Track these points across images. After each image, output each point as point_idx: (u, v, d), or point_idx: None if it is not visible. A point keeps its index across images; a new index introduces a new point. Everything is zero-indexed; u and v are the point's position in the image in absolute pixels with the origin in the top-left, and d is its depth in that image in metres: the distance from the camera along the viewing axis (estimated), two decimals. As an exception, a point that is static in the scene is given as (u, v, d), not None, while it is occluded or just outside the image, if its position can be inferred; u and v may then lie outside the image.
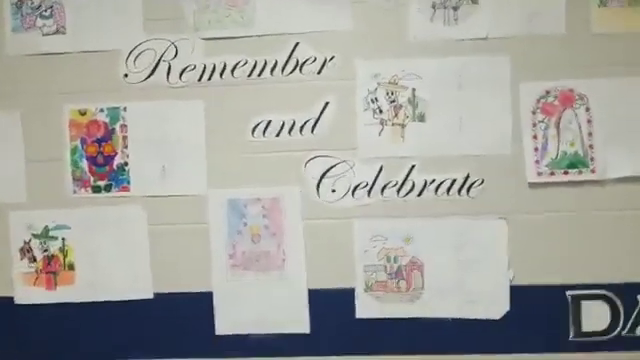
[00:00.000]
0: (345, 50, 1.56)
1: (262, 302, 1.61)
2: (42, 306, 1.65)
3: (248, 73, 1.58)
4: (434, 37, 1.54)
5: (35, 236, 1.65)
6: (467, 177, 1.55)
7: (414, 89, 1.55)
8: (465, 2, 1.53)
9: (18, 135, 1.63)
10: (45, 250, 1.65)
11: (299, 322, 1.60)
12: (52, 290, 1.65)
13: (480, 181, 1.55)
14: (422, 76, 1.55)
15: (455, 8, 1.54)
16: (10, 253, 1.65)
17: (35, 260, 1.65)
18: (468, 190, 1.56)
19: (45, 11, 1.61)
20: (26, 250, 1.65)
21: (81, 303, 1.64)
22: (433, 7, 1.54)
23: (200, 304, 1.62)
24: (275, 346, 1.61)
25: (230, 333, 1.62)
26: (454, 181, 1.56)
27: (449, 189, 1.56)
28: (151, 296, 1.63)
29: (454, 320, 1.57)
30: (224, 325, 1.62)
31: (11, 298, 1.66)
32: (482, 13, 1.53)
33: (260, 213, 1.60)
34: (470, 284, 1.56)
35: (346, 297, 1.58)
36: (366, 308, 1.58)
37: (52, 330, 1.65)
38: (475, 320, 1.56)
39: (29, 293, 1.65)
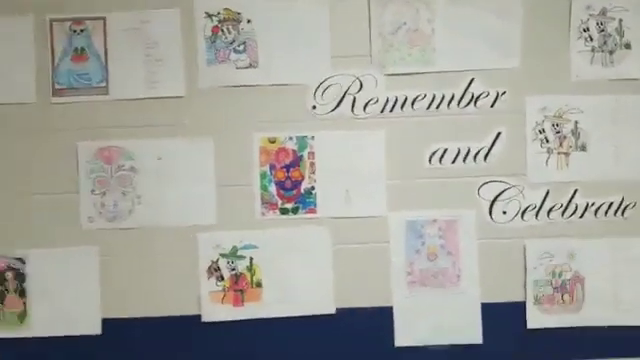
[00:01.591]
0: (515, 86, 1.70)
1: (438, 315, 1.69)
2: (229, 323, 1.69)
3: (427, 106, 1.70)
4: (593, 77, 1.70)
5: (223, 255, 1.69)
6: (622, 200, 1.70)
7: (576, 122, 1.70)
8: (620, 47, 1.70)
9: (210, 161, 1.69)
10: (233, 269, 1.69)
11: (473, 333, 1.69)
12: (239, 307, 1.69)
13: (633, 204, 1.70)
14: (583, 110, 1.70)
15: (611, 52, 1.70)
16: (198, 272, 1.69)
17: (223, 279, 1.69)
18: (623, 212, 1.70)
19: (239, 46, 1.69)
20: (214, 269, 1.69)
21: (267, 319, 1.69)
22: (592, 50, 1.70)
23: (380, 318, 1.69)
24: (450, 356, 1.69)
25: (409, 345, 1.69)
26: (611, 204, 1.70)
27: (607, 211, 1.70)
28: (333, 311, 1.69)
29: (610, 328, 1.70)
30: (403, 337, 1.69)
31: (199, 316, 1.69)
32: (634, 57, 1.70)
33: (437, 234, 1.70)
34: (625, 295, 1.70)
35: (517, 309, 1.70)
36: (536, 319, 1.69)
37: (239, 346, 1.69)
38: (630, 327, 1.70)
39: (216, 310, 1.69)
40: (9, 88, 1.68)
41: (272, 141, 1.70)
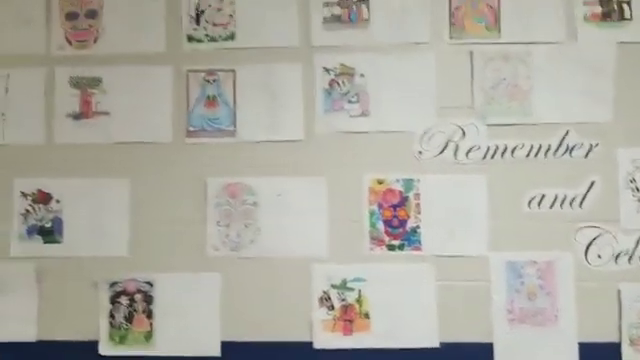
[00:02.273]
0: (608, 138, 1.81)
1: (537, 353, 1.76)
2: (338, 351, 1.79)
3: (526, 154, 1.82)
4: (682, 131, 1.82)
5: (334, 287, 1.80)
6: None
7: (667, 172, 1.80)
8: None
9: (324, 199, 1.83)
10: (343, 299, 1.80)
11: (571, 372, 1.76)
12: (348, 336, 1.79)
13: None
14: (673, 162, 1.80)
15: (701, 108, 1.81)
16: (311, 302, 1.81)
17: (333, 308, 1.80)
18: None
19: (352, 97, 1.86)
20: (325, 299, 1.80)
21: (374, 349, 1.78)
22: (682, 105, 1.82)
23: (482, 353, 1.76)
24: (548, 393, 1.75)
25: (508, 380, 1.77)
26: (701, 250, 1.78)
27: (696, 257, 1.78)
28: (437, 345, 1.78)
29: None
30: (503, 373, 1.77)
31: (310, 343, 1.80)
32: None
33: (536, 274, 1.79)
34: None
35: (613, 350, 1.75)
36: (631, 360, 1.75)
37: (345, 373, 1.78)
38: None
39: (327, 338, 1.79)
40: (149, 129, 1.88)
41: (380, 182, 1.84)
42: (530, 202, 1.80)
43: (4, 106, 1.91)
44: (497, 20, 1.86)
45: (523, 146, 1.82)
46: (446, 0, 1.86)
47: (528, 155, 1.82)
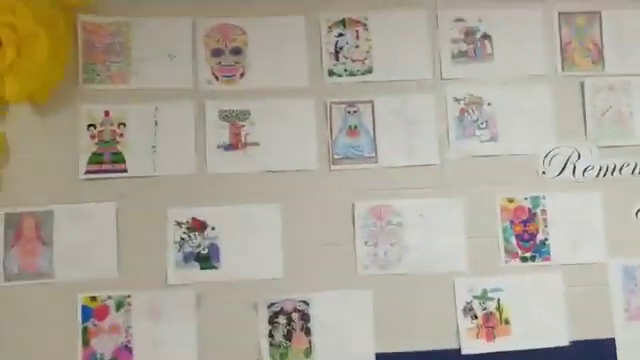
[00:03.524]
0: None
1: (654, 345, 1.99)
2: (483, 355, 1.94)
3: (631, 171, 2.05)
4: None
5: (476, 297, 1.96)
6: None
7: None
8: None
9: (461, 217, 1.98)
10: (484, 309, 1.96)
11: (684, 361, 1.98)
12: (491, 341, 1.95)
13: None
14: None
15: None
16: (455, 312, 1.95)
17: (476, 317, 1.95)
18: None
19: (482, 124, 2.03)
20: (468, 309, 1.95)
21: (515, 351, 1.94)
22: None
23: (606, 348, 1.97)
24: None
25: (632, 371, 1.98)
26: None
27: None
28: (567, 343, 1.96)
29: None
30: (627, 364, 1.98)
31: (458, 350, 1.94)
32: None
33: (649, 277, 2.02)
34: None
35: None
36: None
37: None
38: None
39: (473, 345, 1.94)
40: (296, 157, 1.99)
41: (510, 200, 2.01)
42: (637, 213, 2.04)
43: (154, 139, 1.97)
44: (601, 55, 2.09)
45: (629, 164, 2.05)
46: (557, 37, 2.08)
47: (633, 172, 2.05)
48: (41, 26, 1.86)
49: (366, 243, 1.96)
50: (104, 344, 1.88)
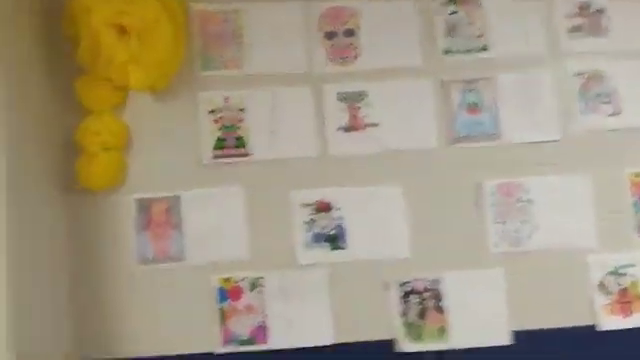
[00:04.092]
0: None
1: None
2: (619, 331, 1.88)
3: None
4: None
5: (609, 274, 1.91)
6: None
7: None
8: None
9: (589, 194, 1.93)
10: (619, 284, 1.90)
11: None
12: (628, 317, 1.89)
13: None
14: None
15: None
16: (589, 289, 1.90)
17: (611, 293, 1.90)
18: None
19: (605, 98, 1.98)
20: (602, 285, 1.90)
21: (650, 326, 1.89)
22: None
23: None
24: None
25: None
26: None
27: None
28: None
29: None
30: None
31: (593, 326, 1.89)
32: None
33: None
34: None
35: None
36: None
37: (629, 351, 1.87)
38: None
39: (609, 321, 1.88)
40: (416, 137, 1.97)
41: (638, 175, 1.96)
42: None
43: (274, 123, 1.98)
44: None
45: None
46: (674, 8, 2.05)
47: None
48: (163, 15, 1.90)
49: (496, 221, 1.93)
50: (241, 324, 1.88)
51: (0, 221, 1.56)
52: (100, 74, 1.88)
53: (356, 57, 2.02)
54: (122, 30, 1.84)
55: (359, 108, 1.99)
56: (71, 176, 1.92)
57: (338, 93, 1.99)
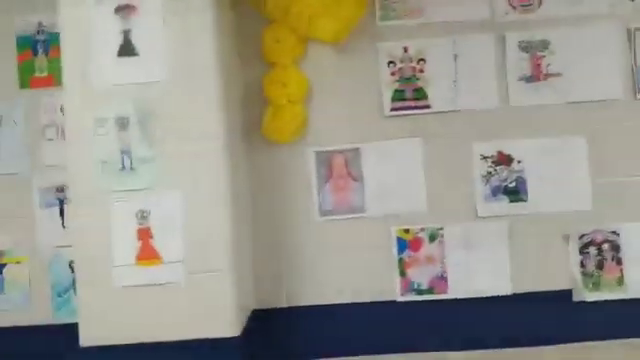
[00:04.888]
0: None
1: None
2: None
3: None
4: None
5: None
6: None
7: None
8: None
9: None
10: None
11: None
12: None
13: None
14: None
15: None
16: None
17: None
18: None
19: None
20: None
21: None
22: None
23: None
24: None
25: None
26: None
27: None
28: None
29: None
30: None
31: None
32: None
33: None
34: None
35: None
36: None
37: None
38: None
39: None
40: (599, 88, 1.91)
41: None
42: None
43: (454, 73, 1.94)
44: None
45: None
46: None
47: None
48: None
49: (680, 172, 1.92)
50: (420, 274, 1.94)
51: (223, 176, 1.62)
52: (288, 25, 1.86)
53: (540, 4, 1.93)
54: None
55: (542, 57, 1.93)
56: (253, 129, 1.95)
57: (520, 42, 1.93)
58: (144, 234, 1.60)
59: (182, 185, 1.60)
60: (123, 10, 1.60)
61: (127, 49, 1.60)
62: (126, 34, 1.60)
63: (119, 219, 1.59)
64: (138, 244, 1.59)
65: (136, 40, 1.60)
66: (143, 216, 1.60)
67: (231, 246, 1.62)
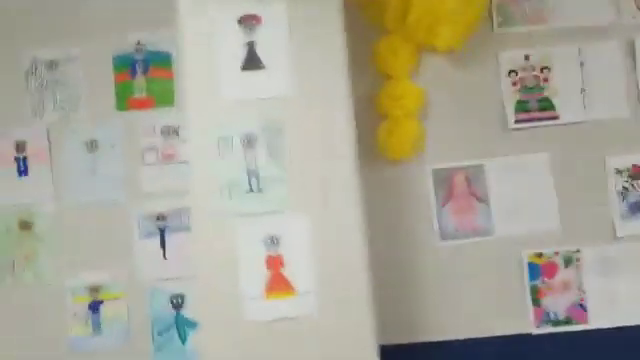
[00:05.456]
0: None
1: None
2: None
3: None
4: None
5: None
6: None
7: None
8: None
9: None
10: None
11: None
12: None
13: None
14: None
15: None
16: None
17: None
18: None
19: None
20: None
21: None
22: None
23: None
24: None
25: None
26: None
27: None
28: None
29: None
30: None
31: None
32: None
33: None
34: None
35: None
36: None
37: None
38: None
39: None
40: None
41: None
42: None
43: (582, 81, 1.80)
44: None
45: None
46: None
47: None
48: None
49: None
50: (556, 302, 1.76)
51: (356, 198, 1.47)
52: (404, 35, 1.74)
53: (671, 5, 1.82)
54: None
55: (677, 61, 1.80)
56: (364, 146, 1.80)
57: (649, 47, 1.81)
58: (274, 262, 1.45)
59: (313, 208, 1.46)
60: (247, 20, 1.49)
61: (252, 62, 1.48)
62: (250, 46, 1.49)
63: (246, 245, 1.45)
64: (267, 273, 1.45)
65: (261, 52, 1.49)
66: (273, 242, 1.46)
67: (367, 274, 1.47)
